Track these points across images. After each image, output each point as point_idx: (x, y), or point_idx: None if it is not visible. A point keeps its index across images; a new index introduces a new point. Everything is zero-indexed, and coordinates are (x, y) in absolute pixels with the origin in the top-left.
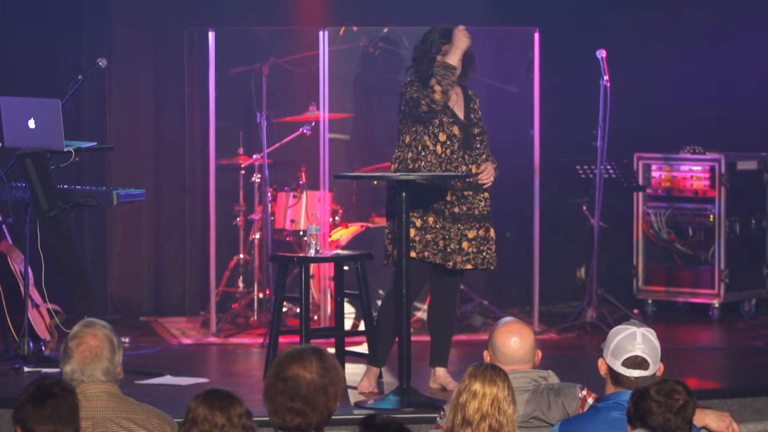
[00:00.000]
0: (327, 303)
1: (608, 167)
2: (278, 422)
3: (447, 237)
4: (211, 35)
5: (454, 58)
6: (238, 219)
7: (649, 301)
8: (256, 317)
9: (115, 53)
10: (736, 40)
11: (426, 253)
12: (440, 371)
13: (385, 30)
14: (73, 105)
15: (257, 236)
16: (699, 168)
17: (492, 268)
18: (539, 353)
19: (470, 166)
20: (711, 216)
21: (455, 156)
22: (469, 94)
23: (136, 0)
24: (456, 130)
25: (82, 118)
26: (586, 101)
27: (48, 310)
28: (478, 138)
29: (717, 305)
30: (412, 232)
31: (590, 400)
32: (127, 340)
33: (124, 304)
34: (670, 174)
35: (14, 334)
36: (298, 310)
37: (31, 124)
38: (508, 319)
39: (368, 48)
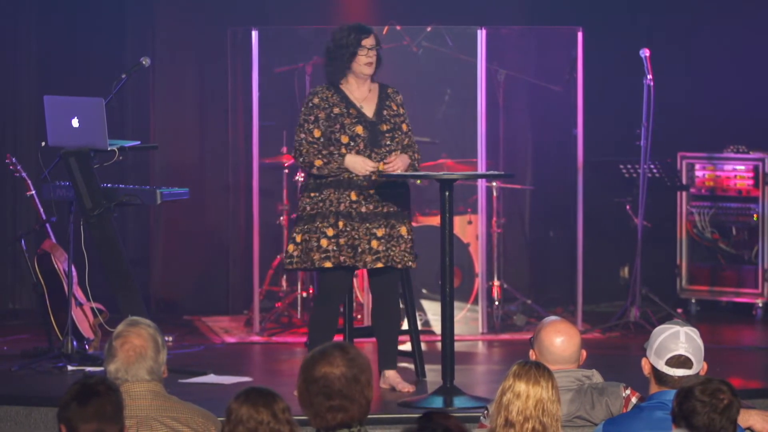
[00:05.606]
0: (370, 302)
1: (652, 166)
2: (321, 425)
3: (357, 237)
4: (255, 34)
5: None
6: (281, 218)
7: (693, 301)
8: (299, 316)
9: (158, 52)
10: None
11: (342, 258)
12: (389, 373)
13: (429, 29)
14: (116, 104)
15: None
16: (743, 167)
17: (401, 266)
18: (584, 353)
19: (376, 166)
20: (755, 215)
21: (361, 155)
22: (388, 92)
23: None
24: (359, 129)
25: (125, 117)
26: (629, 100)
27: (92, 309)
28: (387, 135)
29: (761, 305)
30: (324, 242)
31: (634, 400)
32: (170, 339)
33: (167, 302)
34: (714, 173)
35: (58, 332)
36: (341, 308)
37: (75, 123)
38: (553, 318)
39: (412, 47)
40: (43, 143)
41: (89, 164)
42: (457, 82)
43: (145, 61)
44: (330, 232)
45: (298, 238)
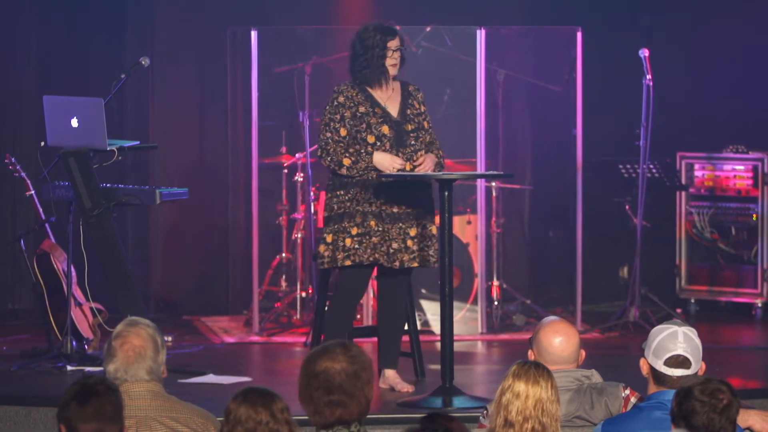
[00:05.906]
0: (369, 302)
1: (651, 166)
2: (320, 421)
3: (389, 237)
4: (254, 34)
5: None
6: (280, 218)
7: (692, 301)
8: (299, 316)
9: (158, 52)
10: None
11: (374, 256)
12: (389, 372)
13: (428, 29)
14: (116, 104)
15: (300, 235)
16: (742, 167)
17: (436, 266)
18: (583, 353)
19: (404, 163)
20: (754, 215)
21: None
22: (409, 89)
23: None
24: (385, 129)
25: (125, 117)
26: (629, 100)
27: (91, 309)
28: (412, 135)
29: (760, 305)
30: (348, 241)
31: (633, 400)
32: (170, 339)
33: (167, 302)
34: (713, 173)
35: (57, 332)
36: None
37: (74, 123)
38: (552, 318)
39: (411, 47)
40: (43, 143)
41: (88, 164)
42: (457, 82)
43: (145, 61)
44: (354, 230)
45: (329, 239)
